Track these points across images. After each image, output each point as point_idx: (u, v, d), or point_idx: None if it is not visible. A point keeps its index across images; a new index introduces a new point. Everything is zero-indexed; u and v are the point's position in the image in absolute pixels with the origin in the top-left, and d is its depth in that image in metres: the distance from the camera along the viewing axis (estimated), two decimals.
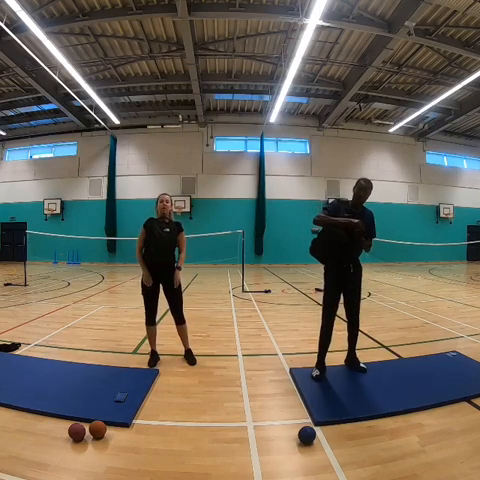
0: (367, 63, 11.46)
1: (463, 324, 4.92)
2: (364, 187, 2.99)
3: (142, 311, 3.41)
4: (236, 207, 16.43)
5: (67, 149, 17.70)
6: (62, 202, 17.04)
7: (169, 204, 3.42)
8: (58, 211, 16.94)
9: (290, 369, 3.18)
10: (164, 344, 3.76)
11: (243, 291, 8.06)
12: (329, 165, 17.22)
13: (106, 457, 1.92)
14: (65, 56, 10.19)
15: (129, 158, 17.08)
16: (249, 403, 2.57)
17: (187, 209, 16.22)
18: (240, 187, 16.79)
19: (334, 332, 3.06)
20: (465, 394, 2.60)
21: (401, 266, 15.79)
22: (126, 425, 2.23)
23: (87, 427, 2.08)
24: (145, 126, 16.87)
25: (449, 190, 18.67)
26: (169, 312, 3.47)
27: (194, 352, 3.49)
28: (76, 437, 2.04)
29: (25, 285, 8.65)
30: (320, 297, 7.22)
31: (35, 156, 18.14)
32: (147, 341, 3.54)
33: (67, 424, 2.12)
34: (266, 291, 8.05)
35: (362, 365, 3.11)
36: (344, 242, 2.89)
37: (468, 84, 11.99)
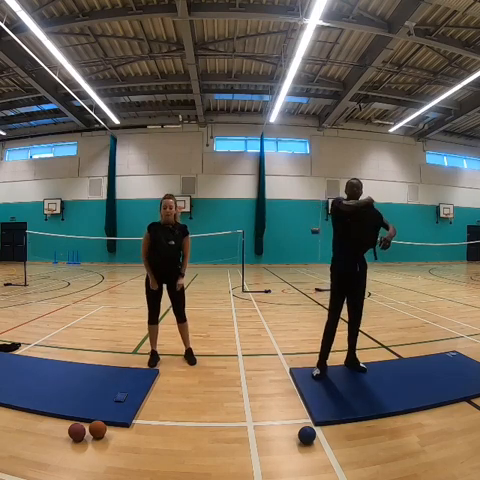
0: (367, 63, 11.46)
1: (463, 324, 4.92)
2: (356, 184, 3.08)
3: (142, 311, 3.41)
4: (236, 207, 16.41)
5: (67, 149, 17.68)
6: (62, 202, 17.03)
7: (173, 210, 3.33)
8: (58, 211, 16.93)
9: (290, 369, 3.18)
10: (164, 344, 3.76)
11: (243, 291, 8.06)
12: (329, 165, 17.20)
13: (106, 457, 1.92)
14: (65, 56, 10.18)
15: (129, 158, 17.06)
16: (249, 403, 2.57)
17: (187, 209, 16.19)
18: (240, 187, 16.78)
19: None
20: (465, 394, 2.60)
21: (401, 266, 15.77)
22: (126, 425, 2.23)
23: (87, 427, 2.08)
24: (145, 126, 16.85)
25: (449, 190, 18.65)
26: (169, 312, 3.47)
27: (194, 352, 3.49)
28: (76, 437, 2.04)
29: (25, 285, 8.65)
30: (320, 297, 7.28)
31: (35, 156, 18.12)
32: (147, 341, 3.54)
33: (67, 424, 2.12)
34: (266, 291, 8.04)
35: (362, 365, 3.11)
36: (354, 239, 2.90)
37: (468, 84, 11.98)
